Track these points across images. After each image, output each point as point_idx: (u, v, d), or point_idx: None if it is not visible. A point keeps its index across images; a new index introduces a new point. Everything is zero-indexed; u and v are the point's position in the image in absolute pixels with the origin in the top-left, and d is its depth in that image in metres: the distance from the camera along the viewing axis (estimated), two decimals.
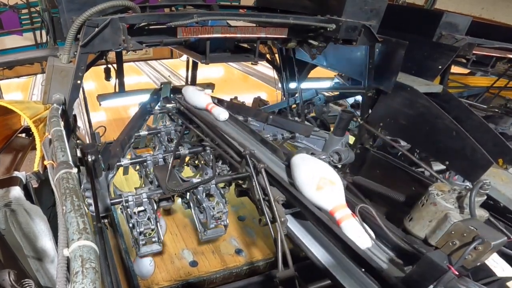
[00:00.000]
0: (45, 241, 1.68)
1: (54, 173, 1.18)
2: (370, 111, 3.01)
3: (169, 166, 2.43)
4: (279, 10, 3.01)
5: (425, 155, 2.76)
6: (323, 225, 1.72)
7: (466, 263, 1.23)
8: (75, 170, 1.18)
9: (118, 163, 2.52)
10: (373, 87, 2.90)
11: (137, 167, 2.78)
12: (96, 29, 1.98)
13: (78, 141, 3.43)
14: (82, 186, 2.12)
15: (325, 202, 1.83)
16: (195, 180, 2.36)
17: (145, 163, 2.66)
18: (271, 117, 3.25)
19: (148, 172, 2.65)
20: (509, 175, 2.23)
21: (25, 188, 1.82)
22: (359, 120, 3.00)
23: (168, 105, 3.45)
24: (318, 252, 1.75)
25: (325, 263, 1.67)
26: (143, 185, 2.72)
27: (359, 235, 1.66)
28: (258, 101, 4.86)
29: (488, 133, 2.45)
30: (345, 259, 1.63)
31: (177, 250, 3.72)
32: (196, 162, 3.01)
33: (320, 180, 1.88)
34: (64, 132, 1.53)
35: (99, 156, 2.17)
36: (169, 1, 3.43)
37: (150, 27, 2.39)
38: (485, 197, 1.72)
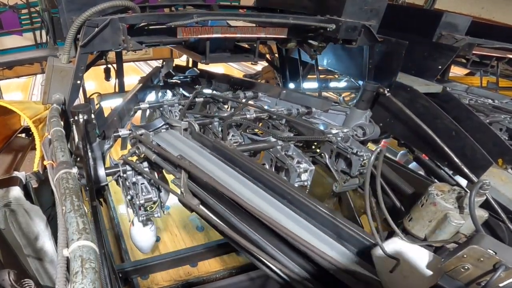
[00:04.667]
0: (45, 241, 1.68)
1: (54, 173, 1.18)
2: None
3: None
4: (279, 10, 3.01)
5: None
6: None
7: None
8: (75, 170, 1.18)
9: (115, 134, 2.25)
10: None
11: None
12: (96, 29, 1.98)
13: None
14: (72, 156, 1.70)
15: None
16: None
17: None
18: (284, 92, 2.98)
19: None
20: (509, 175, 2.23)
21: (25, 188, 1.82)
22: (385, 92, 2.59)
23: (171, 81, 3.27)
24: None
25: None
26: None
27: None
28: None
29: (488, 133, 2.45)
30: None
31: None
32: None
33: None
34: (64, 132, 1.53)
35: (93, 119, 1.94)
36: (169, 1, 3.43)
37: (150, 27, 2.39)
38: (485, 197, 1.72)
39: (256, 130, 2.64)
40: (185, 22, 2.14)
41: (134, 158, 2.18)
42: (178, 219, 4.13)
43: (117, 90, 3.53)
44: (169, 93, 3.34)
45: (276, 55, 4.16)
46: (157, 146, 2.04)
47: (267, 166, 2.29)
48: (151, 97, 3.33)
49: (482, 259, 1.10)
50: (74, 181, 1.11)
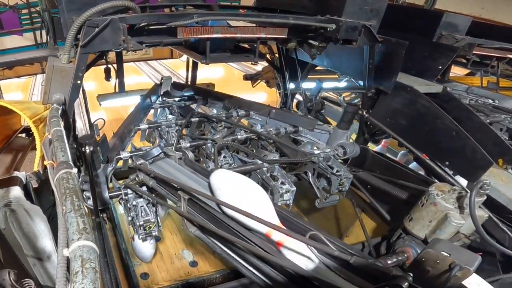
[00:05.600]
0: (45, 241, 1.68)
1: (54, 173, 1.18)
2: (370, 111, 3.01)
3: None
4: (279, 10, 3.01)
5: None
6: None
7: None
8: (75, 170, 1.18)
9: (117, 156, 2.46)
10: (373, 87, 2.89)
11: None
12: (96, 29, 1.98)
13: None
14: (80, 179, 2.07)
15: (258, 225, 1.59)
16: None
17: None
18: (273, 111, 3.22)
19: None
20: (509, 175, 2.24)
21: (25, 188, 1.83)
22: (364, 113, 2.93)
23: (169, 99, 3.43)
24: None
25: None
26: None
27: (303, 256, 1.51)
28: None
29: (488, 133, 2.45)
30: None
31: (177, 250, 3.72)
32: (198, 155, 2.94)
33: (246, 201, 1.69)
34: (64, 132, 1.53)
35: (98, 147, 2.13)
36: (169, 1, 3.43)
37: (150, 27, 2.38)
38: (485, 197, 1.72)
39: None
40: (185, 22, 2.14)
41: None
42: (178, 220, 4.13)
43: (117, 90, 3.54)
44: (167, 112, 3.49)
45: (276, 55, 4.16)
46: (155, 172, 2.23)
47: None
48: (150, 116, 3.49)
49: (438, 261, 1.20)
50: (74, 181, 1.11)
